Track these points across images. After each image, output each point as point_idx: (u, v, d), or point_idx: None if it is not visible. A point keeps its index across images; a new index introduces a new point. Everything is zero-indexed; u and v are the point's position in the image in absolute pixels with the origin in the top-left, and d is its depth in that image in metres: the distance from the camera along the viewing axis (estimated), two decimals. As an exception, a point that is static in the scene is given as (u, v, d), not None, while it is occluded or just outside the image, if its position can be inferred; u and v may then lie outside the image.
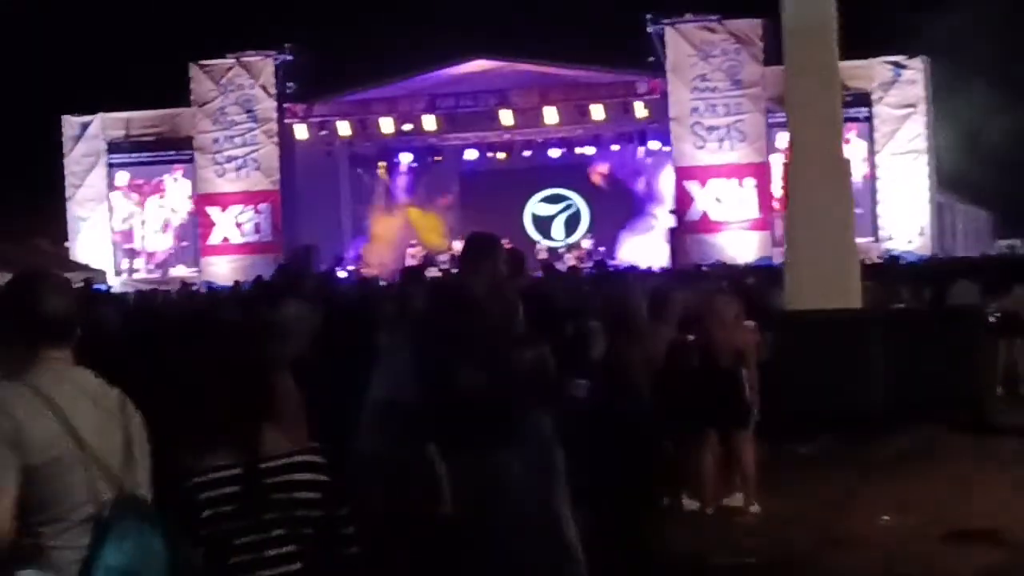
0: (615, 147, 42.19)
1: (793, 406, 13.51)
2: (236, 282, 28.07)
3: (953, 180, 41.28)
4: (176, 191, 43.60)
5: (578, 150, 42.54)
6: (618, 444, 9.21)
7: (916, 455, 14.25)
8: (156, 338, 11.71)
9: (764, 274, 24.27)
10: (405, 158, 44.34)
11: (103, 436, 4.44)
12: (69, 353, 4.58)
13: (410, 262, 37.44)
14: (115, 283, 40.06)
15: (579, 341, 12.40)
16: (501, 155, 43.15)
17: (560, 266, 33.08)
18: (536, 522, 8.15)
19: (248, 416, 4.81)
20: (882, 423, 15.31)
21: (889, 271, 22.93)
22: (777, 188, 35.96)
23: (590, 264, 33.20)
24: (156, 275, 42.28)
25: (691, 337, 12.23)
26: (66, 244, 43.36)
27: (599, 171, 43.20)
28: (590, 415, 9.21)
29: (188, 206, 43.36)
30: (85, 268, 37.57)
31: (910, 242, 37.42)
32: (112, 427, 4.50)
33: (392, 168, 44.81)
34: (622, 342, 9.60)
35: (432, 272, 30.45)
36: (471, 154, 43.38)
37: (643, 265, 35.43)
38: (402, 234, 43.45)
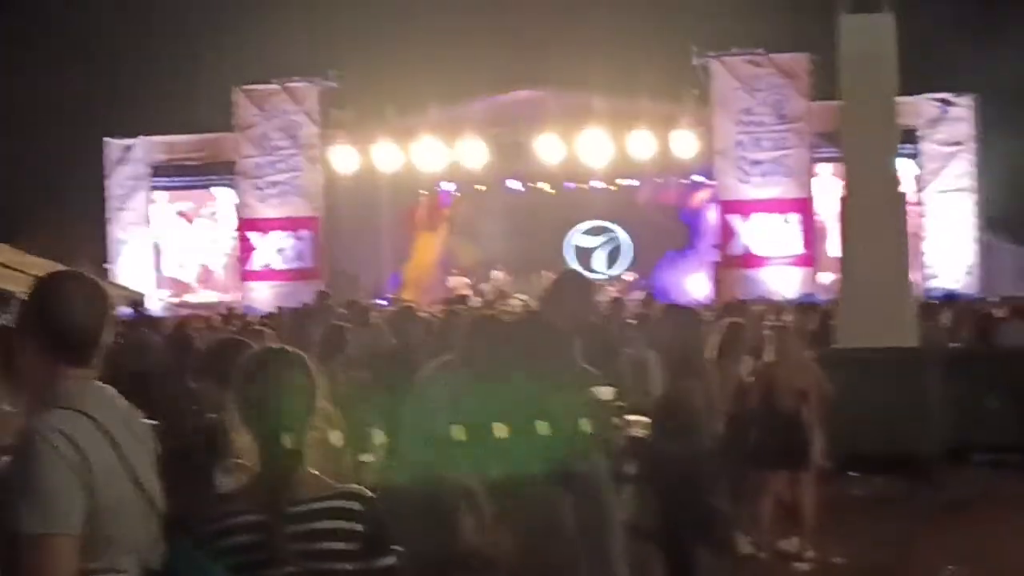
0: (658, 179, 41.92)
1: (847, 446, 13.21)
2: (279, 307, 28.03)
3: (999, 219, 40.87)
4: (218, 217, 43.57)
5: (620, 181, 42.24)
6: (674, 485, 8.97)
7: (975, 501, 13.94)
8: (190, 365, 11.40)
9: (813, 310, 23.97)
10: (447, 187, 44.19)
11: (146, 468, 4.00)
12: (95, 373, 4.05)
13: (449, 289, 37.40)
14: (156, 307, 39.99)
15: (636, 371, 12.23)
16: (543, 185, 42.94)
17: (601, 298, 32.96)
18: (589, 567, 7.95)
19: (285, 455, 4.29)
20: (939, 466, 15.00)
21: (941, 309, 22.55)
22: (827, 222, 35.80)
23: (633, 296, 32.89)
24: (196, 299, 42.24)
25: (752, 377, 12.04)
26: (106, 266, 43.32)
27: (648, 195, 42.75)
28: (647, 455, 8.99)
29: (230, 231, 43.32)
30: (125, 290, 37.49)
31: (956, 281, 37.06)
32: (147, 457, 4.04)
33: (434, 197, 44.67)
34: (683, 379, 9.33)
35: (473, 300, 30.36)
36: (513, 184, 43.20)
37: (685, 299, 35.24)
38: (442, 260, 43.38)
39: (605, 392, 8.31)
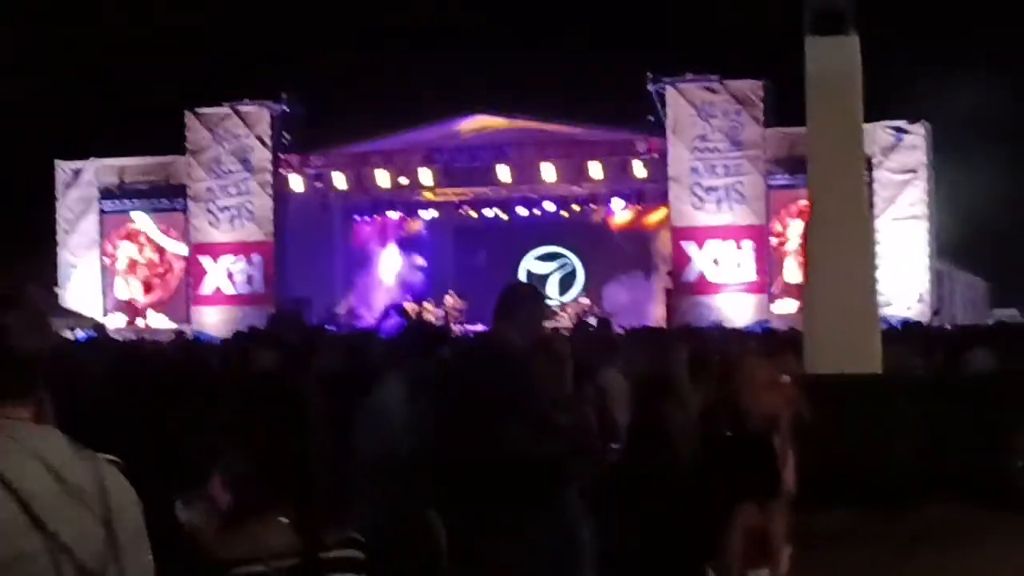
0: (612, 205, 41.83)
1: (813, 474, 13.01)
2: (237, 332, 27.67)
3: (951, 247, 41.04)
4: (168, 240, 43.17)
5: (575, 207, 42.14)
6: (645, 512, 8.74)
7: (943, 533, 13.78)
8: (144, 390, 11.06)
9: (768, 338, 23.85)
10: (399, 212, 43.98)
11: (70, 523, 3.33)
12: (30, 410, 3.46)
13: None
14: (106, 325, 39.61)
15: (598, 396, 11.99)
16: (497, 211, 42.83)
17: (555, 324, 32.81)
18: None
19: (287, 496, 3.92)
20: (905, 496, 14.87)
21: (902, 337, 22.43)
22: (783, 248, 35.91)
23: (592, 320, 32.73)
24: (146, 324, 41.83)
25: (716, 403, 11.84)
26: (56, 289, 42.88)
27: (601, 220, 42.56)
28: (620, 481, 8.74)
29: (181, 256, 42.96)
30: (74, 315, 37.16)
31: (908, 308, 37.06)
32: (83, 513, 3.37)
33: (386, 222, 44.46)
34: (661, 405, 9.07)
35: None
36: (467, 210, 43.06)
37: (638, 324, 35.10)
38: (393, 289, 43.19)
39: (588, 416, 8.03)
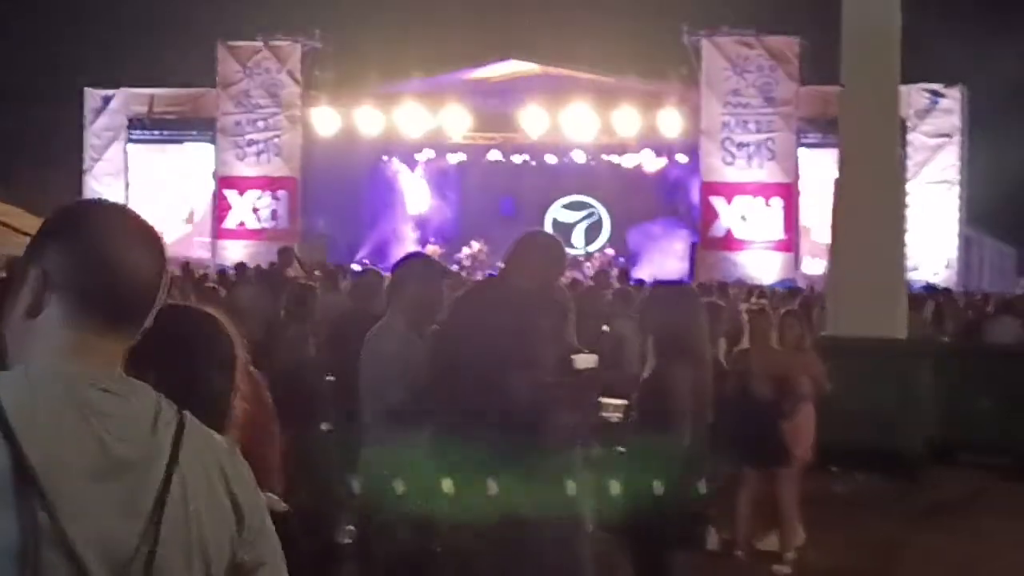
0: (641, 157, 41.53)
1: (829, 439, 12.68)
2: (240, 263, 27.59)
3: (982, 214, 40.68)
4: (197, 171, 43.04)
5: (604, 157, 41.86)
6: (648, 479, 8.40)
7: (962, 504, 13.58)
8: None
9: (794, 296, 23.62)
10: (428, 154, 43.76)
11: (108, 518, 2.41)
12: (122, 352, 2.62)
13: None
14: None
15: (615, 347, 11.64)
16: (526, 158, 42.58)
17: (578, 274, 32.64)
18: (551, 564, 7.35)
19: None
20: (925, 465, 14.65)
21: (926, 301, 22.11)
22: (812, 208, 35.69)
23: (614, 272, 32.59)
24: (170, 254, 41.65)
25: (727, 363, 11.56)
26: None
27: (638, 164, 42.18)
28: (624, 443, 8.45)
29: (208, 187, 42.85)
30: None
31: (936, 274, 36.75)
32: (125, 495, 2.45)
33: (414, 164, 44.28)
34: (674, 364, 8.35)
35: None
36: (495, 155, 42.82)
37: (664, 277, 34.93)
38: (417, 231, 43.07)
39: (588, 359, 7.62)
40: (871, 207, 17.10)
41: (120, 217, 2.76)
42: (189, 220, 43.10)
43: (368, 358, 7.63)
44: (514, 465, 6.77)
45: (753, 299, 20.43)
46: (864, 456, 14.06)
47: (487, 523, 6.80)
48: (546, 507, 6.96)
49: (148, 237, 2.76)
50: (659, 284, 12.00)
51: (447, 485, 6.92)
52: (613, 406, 8.95)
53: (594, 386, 7.66)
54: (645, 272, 36.57)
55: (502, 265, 7.83)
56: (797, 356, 11.73)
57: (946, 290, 28.54)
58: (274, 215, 42.17)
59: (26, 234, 29.83)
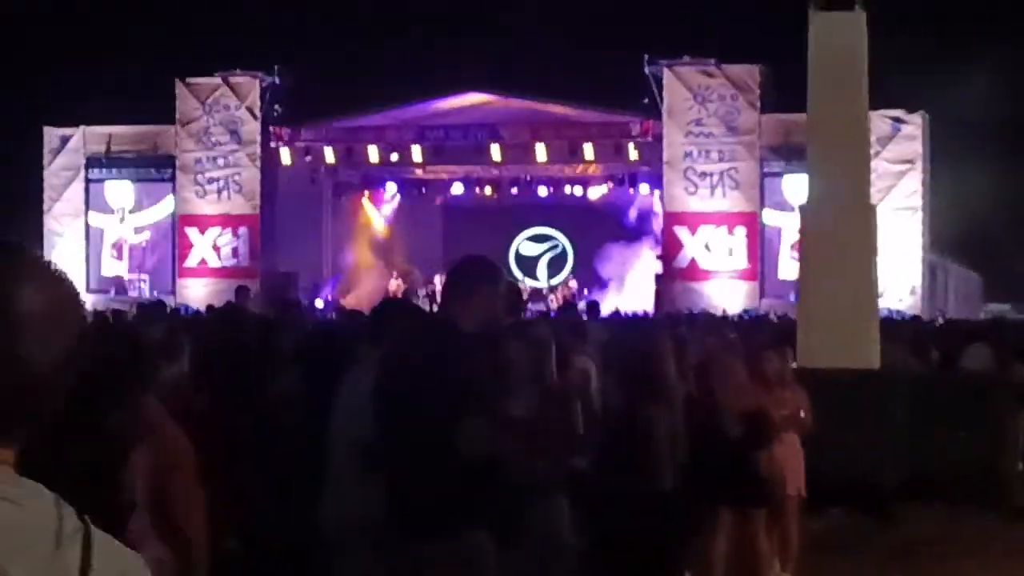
0: (605, 188, 41.45)
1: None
2: (209, 306, 27.26)
3: (945, 240, 40.69)
4: (154, 211, 42.65)
5: (567, 189, 41.74)
6: (622, 528, 7.96)
7: (938, 540, 13.25)
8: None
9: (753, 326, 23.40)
10: (390, 189, 43.56)
11: None
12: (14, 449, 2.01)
13: (390, 292, 36.76)
14: (87, 303, 39.07)
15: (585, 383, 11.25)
16: (488, 191, 42.42)
17: (541, 307, 32.47)
18: None
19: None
20: (899, 499, 14.37)
21: (899, 329, 21.86)
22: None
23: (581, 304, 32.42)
24: (131, 295, 41.28)
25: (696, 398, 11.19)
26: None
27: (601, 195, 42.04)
28: (596, 491, 7.82)
29: (166, 226, 42.47)
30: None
31: (900, 300, 36.67)
32: None
33: (376, 198, 44.06)
34: (647, 406, 8.06)
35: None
36: (457, 188, 42.67)
37: (627, 310, 34.80)
38: (381, 266, 42.74)
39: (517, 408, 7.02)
40: (841, 234, 16.89)
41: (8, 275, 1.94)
42: (150, 261, 42.67)
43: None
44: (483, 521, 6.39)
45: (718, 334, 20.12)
46: (837, 491, 13.71)
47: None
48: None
49: (48, 301, 1.95)
50: (625, 320, 11.23)
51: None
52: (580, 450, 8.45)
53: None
54: (612, 303, 36.46)
55: (439, 301, 7.23)
56: (776, 391, 11.37)
57: (916, 318, 28.38)
58: (235, 253, 41.80)
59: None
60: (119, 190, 42.68)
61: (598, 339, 12.81)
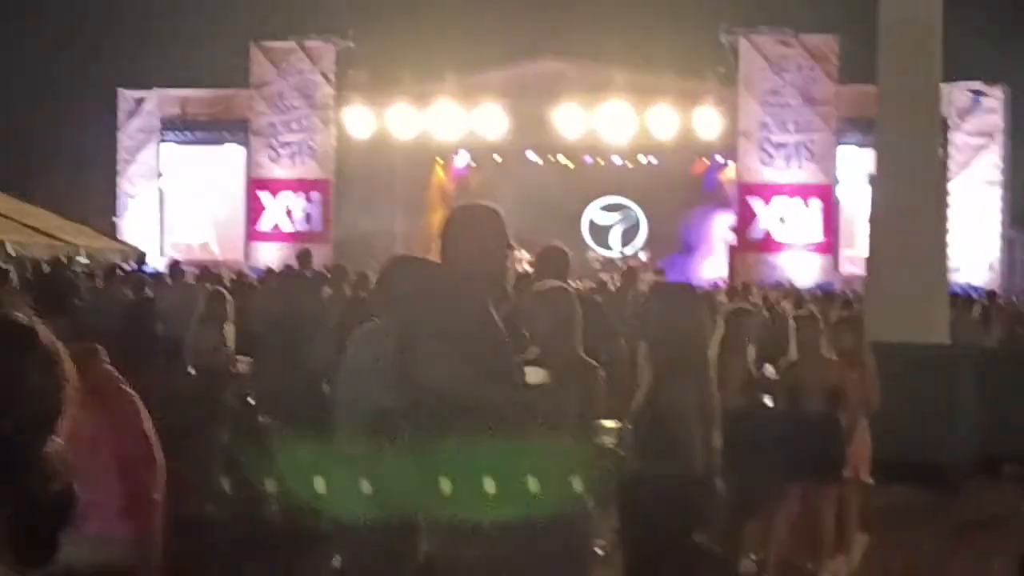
0: (679, 157, 41.01)
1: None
2: (268, 268, 27.26)
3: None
4: (229, 173, 42.72)
5: (642, 159, 41.35)
6: (651, 516, 7.22)
7: (1006, 518, 12.96)
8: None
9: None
10: (464, 156, 43.35)
11: None
12: None
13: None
14: (161, 263, 39.18)
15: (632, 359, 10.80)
16: (562, 159, 42.10)
17: (607, 277, 32.18)
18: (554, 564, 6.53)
19: None
20: (969, 476, 14.04)
21: (971, 305, 21.46)
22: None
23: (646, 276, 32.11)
24: (202, 256, 41.35)
25: (772, 373, 10.82)
26: (115, 219, 42.51)
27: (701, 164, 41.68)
28: (620, 475, 7.28)
29: (240, 189, 42.53)
30: (124, 245, 36.84)
31: (978, 276, 36.12)
32: None
33: (450, 166, 43.87)
34: (673, 383, 7.40)
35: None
36: (531, 155, 42.35)
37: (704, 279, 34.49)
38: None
39: (537, 374, 6.40)
40: (911, 208, 16.42)
41: None
42: (222, 222, 42.79)
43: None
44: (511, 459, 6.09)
45: (785, 303, 19.77)
46: (905, 468, 13.32)
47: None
48: (549, 505, 6.24)
49: None
50: (656, 286, 10.19)
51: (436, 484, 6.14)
52: (605, 429, 7.66)
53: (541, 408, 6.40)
54: (687, 273, 36.22)
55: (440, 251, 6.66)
56: (851, 368, 10.99)
57: (992, 293, 27.86)
58: (308, 218, 41.84)
59: (49, 235, 29.70)
60: (193, 153, 42.80)
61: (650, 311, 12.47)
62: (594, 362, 6.84)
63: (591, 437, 6.86)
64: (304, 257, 20.17)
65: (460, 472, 5.91)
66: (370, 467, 6.25)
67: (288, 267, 22.10)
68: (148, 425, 4.56)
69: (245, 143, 42.22)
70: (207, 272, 23.40)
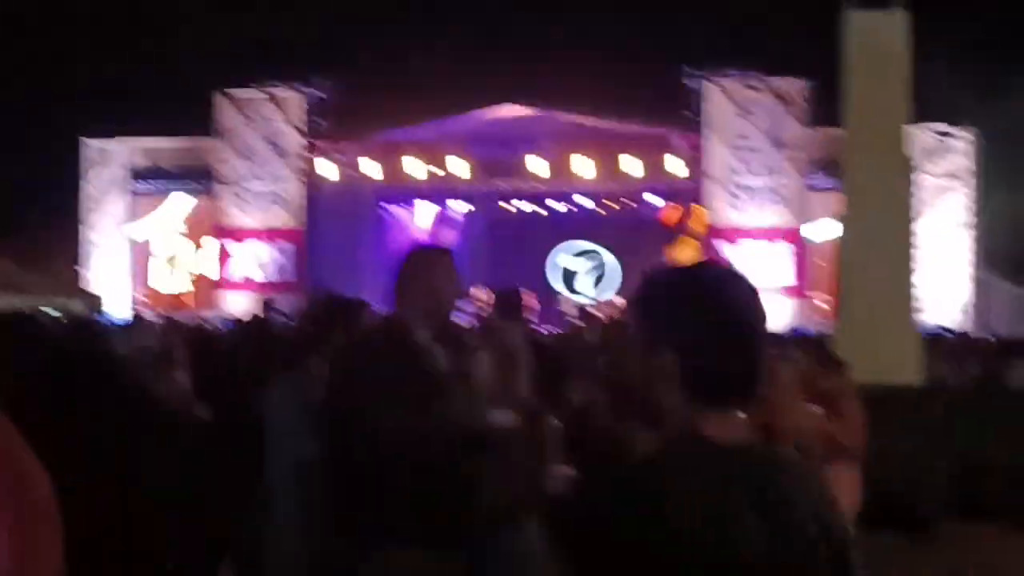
0: (646, 201, 40.90)
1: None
2: (254, 315, 26.98)
3: (998, 258, 39.94)
4: (196, 222, 42.46)
5: (609, 203, 41.28)
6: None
7: (988, 562, 12.71)
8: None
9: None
10: (431, 203, 43.20)
11: None
12: None
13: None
14: (128, 314, 38.85)
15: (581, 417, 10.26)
16: (530, 205, 42.01)
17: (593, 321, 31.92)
18: None
19: None
20: (945, 519, 13.82)
21: (942, 345, 21.34)
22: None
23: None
24: (173, 305, 41.04)
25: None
26: (77, 268, 42.22)
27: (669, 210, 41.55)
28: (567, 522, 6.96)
29: (208, 238, 42.27)
30: (87, 295, 36.61)
31: (949, 317, 36.06)
32: None
33: (418, 212, 43.71)
34: (626, 424, 6.86)
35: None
36: (499, 202, 42.24)
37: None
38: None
39: (506, 418, 6.30)
40: (879, 249, 16.30)
41: None
42: (187, 272, 42.53)
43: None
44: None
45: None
46: (877, 513, 13.06)
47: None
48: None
49: None
50: (612, 328, 9.75)
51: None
52: (560, 477, 7.32)
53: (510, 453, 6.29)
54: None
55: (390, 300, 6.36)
56: (831, 413, 10.63)
57: (963, 333, 27.75)
58: (278, 267, 41.55)
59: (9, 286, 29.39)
60: (157, 202, 42.56)
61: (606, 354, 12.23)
62: (544, 409, 6.57)
63: (542, 487, 6.59)
64: (268, 306, 20.00)
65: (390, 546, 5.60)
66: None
67: (255, 316, 21.94)
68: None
69: (212, 192, 41.94)
70: (171, 321, 23.15)
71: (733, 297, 3.27)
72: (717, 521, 3.04)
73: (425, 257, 6.57)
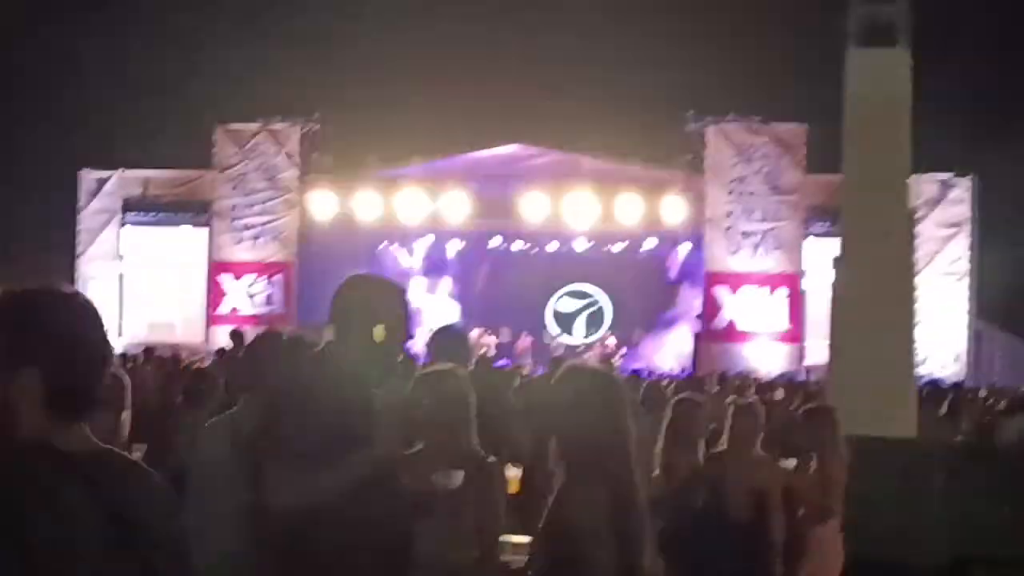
0: (645, 244, 40.68)
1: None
2: (221, 349, 26.69)
3: (995, 308, 39.78)
4: (190, 256, 42.20)
5: (607, 245, 41.03)
6: None
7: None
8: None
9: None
10: (427, 240, 42.95)
11: None
12: None
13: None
14: (119, 347, 38.54)
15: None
16: (526, 245, 41.76)
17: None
18: None
19: None
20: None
21: (938, 398, 21.04)
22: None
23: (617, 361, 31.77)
24: (164, 339, 40.71)
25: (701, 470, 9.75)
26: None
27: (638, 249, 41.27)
28: None
29: (202, 271, 42.02)
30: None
31: (944, 367, 35.84)
32: None
33: (413, 250, 43.44)
34: (580, 483, 5.94)
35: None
36: (495, 241, 42.00)
37: (666, 369, 34.13)
38: (416, 319, 42.04)
39: (455, 477, 5.82)
40: (877, 298, 16.04)
41: None
42: (184, 305, 42.24)
43: None
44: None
45: (749, 393, 19.18)
46: (869, 569, 12.76)
47: None
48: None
49: None
50: (567, 370, 8.32)
51: None
52: (514, 545, 7.08)
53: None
54: (654, 360, 35.86)
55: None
56: (806, 463, 10.16)
57: (957, 384, 27.48)
58: (269, 300, 41.30)
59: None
60: (154, 234, 42.32)
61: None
62: (492, 458, 6.18)
63: (494, 555, 6.22)
64: (237, 337, 19.73)
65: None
66: None
67: (220, 349, 21.83)
68: None
69: (208, 225, 41.73)
70: (151, 355, 23.02)
71: (75, 321, 3.54)
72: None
73: (365, 285, 6.07)
